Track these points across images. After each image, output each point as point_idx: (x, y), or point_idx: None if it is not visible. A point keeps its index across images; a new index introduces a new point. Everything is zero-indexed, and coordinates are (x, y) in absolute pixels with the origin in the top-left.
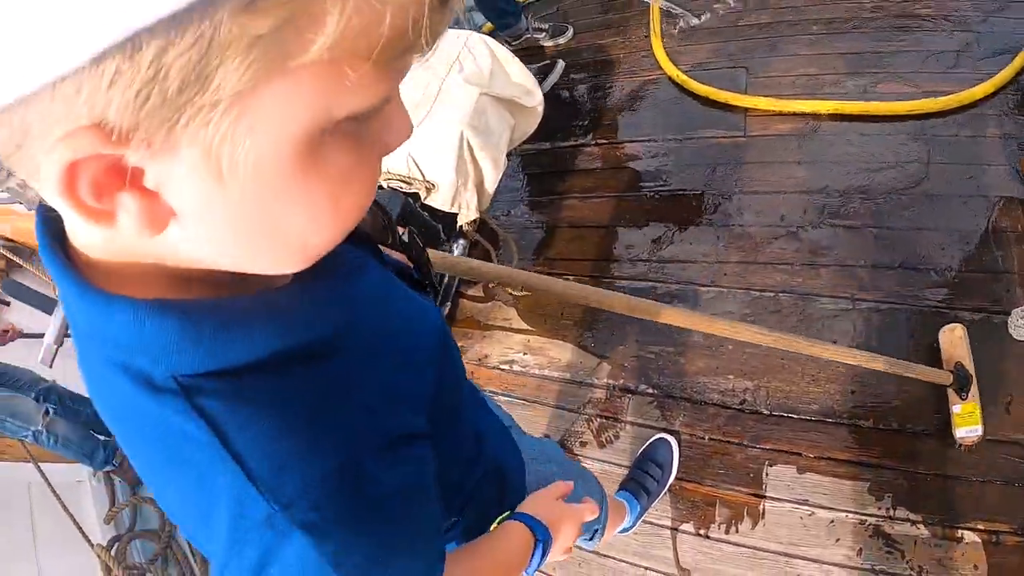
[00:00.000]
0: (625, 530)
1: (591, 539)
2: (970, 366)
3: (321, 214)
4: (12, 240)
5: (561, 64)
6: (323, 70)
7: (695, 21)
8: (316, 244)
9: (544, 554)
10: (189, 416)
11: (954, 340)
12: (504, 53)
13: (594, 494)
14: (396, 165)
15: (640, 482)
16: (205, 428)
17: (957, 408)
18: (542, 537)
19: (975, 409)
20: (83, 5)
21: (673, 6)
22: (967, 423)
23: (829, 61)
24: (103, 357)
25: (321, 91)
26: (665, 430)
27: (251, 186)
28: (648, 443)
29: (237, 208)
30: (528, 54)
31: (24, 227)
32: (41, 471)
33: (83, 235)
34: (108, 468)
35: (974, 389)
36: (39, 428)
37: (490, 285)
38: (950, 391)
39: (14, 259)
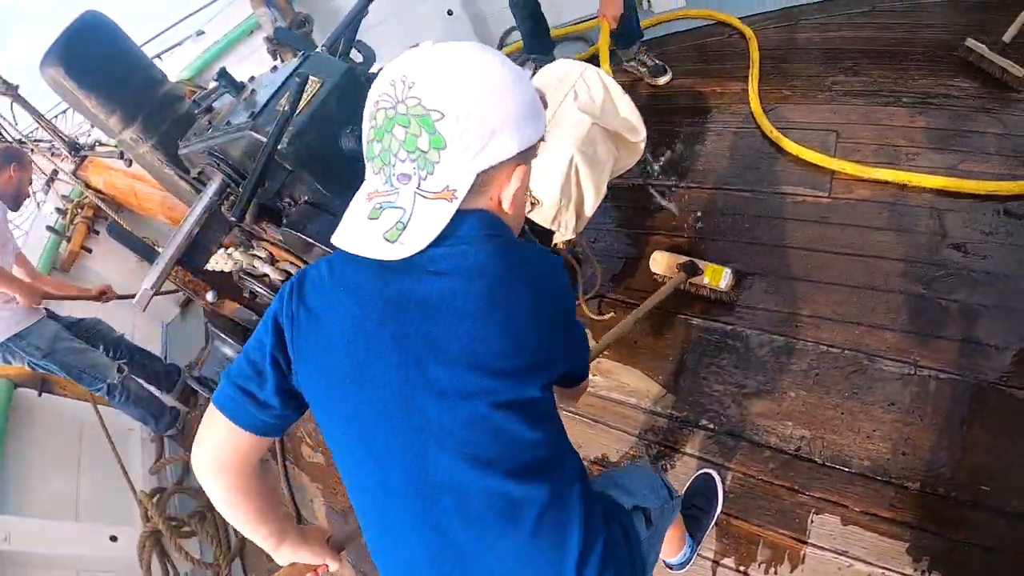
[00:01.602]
0: (681, 565)
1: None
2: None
3: (524, 211)
4: (103, 193)
5: None
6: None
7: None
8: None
9: None
10: None
11: (659, 260)
12: (616, 88)
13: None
14: None
15: (691, 516)
16: None
17: (705, 280)
18: None
19: (712, 268)
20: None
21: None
22: (717, 278)
23: (917, 134)
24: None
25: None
26: (720, 466)
27: (524, 197)
28: (693, 477)
29: (522, 206)
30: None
31: (115, 182)
32: (98, 412)
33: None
34: (170, 432)
35: (699, 262)
36: (114, 382)
37: None
38: (692, 280)
39: (105, 209)
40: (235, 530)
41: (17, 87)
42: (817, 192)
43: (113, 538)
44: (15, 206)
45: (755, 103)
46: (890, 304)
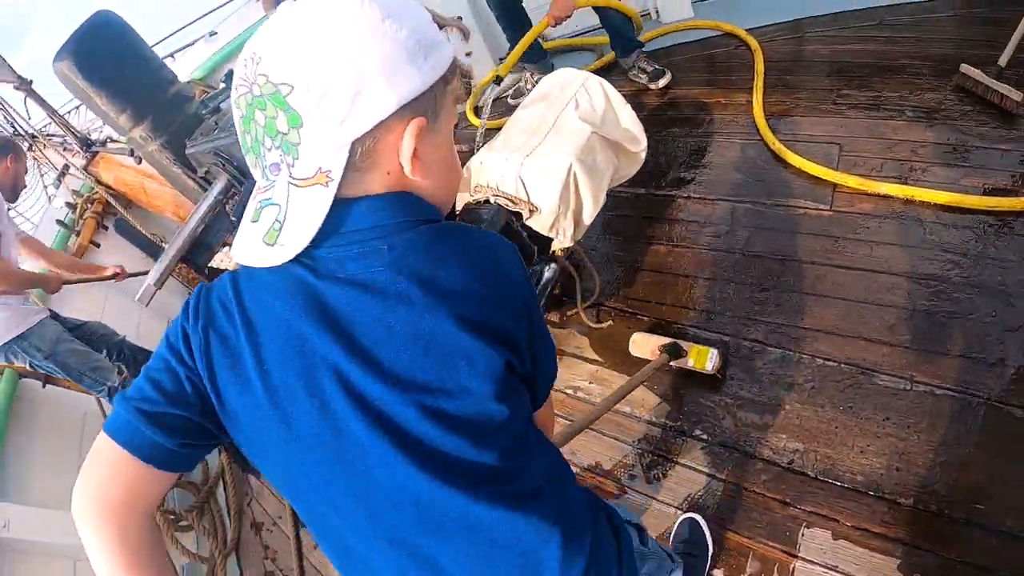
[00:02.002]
0: None
1: None
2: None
3: (455, 174)
4: (113, 188)
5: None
6: (453, 103)
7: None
8: (453, 195)
9: None
10: None
11: (639, 343)
12: (618, 98)
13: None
14: (506, 185)
15: (686, 564)
16: None
17: (690, 363)
18: None
19: (697, 349)
20: (413, 84)
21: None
22: (702, 360)
23: (921, 148)
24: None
25: (455, 112)
26: (712, 477)
27: (444, 154)
28: (677, 524)
29: (449, 167)
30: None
31: (125, 179)
32: (100, 405)
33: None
34: None
35: (683, 344)
36: (115, 384)
37: (567, 314)
38: (675, 363)
39: (114, 205)
40: (232, 525)
41: (31, 82)
42: (819, 205)
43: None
44: (12, 197)
45: (759, 115)
46: (889, 318)
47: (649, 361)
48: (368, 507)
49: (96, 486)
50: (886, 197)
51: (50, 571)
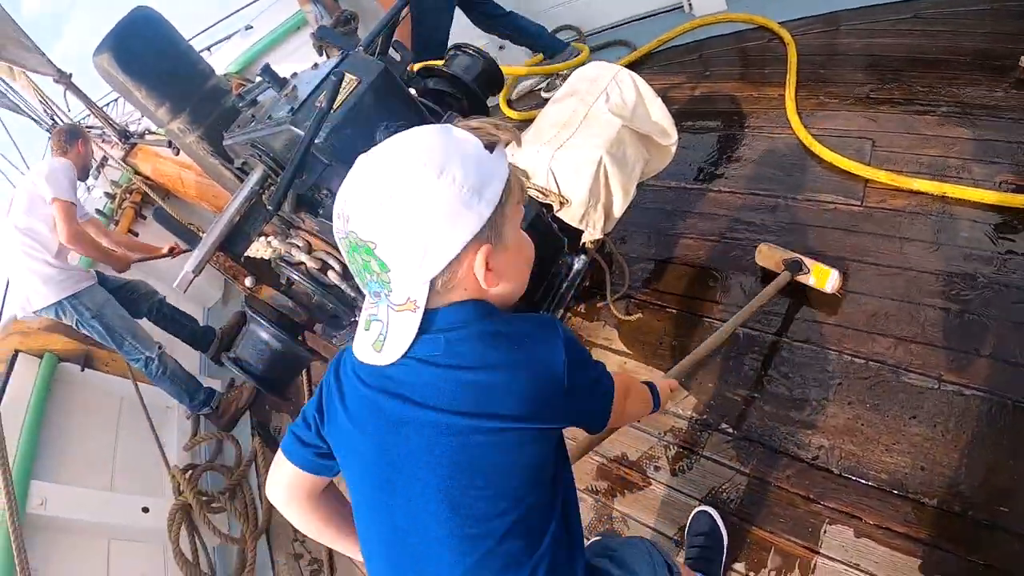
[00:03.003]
0: None
1: None
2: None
3: (526, 265)
4: (151, 179)
5: None
6: (516, 207)
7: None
8: (526, 280)
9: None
10: None
11: (766, 254)
12: (648, 92)
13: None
14: (537, 177)
15: (701, 557)
16: None
17: (811, 280)
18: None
19: (819, 267)
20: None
21: None
22: (823, 279)
23: (955, 144)
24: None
25: (520, 210)
26: (736, 471)
27: (512, 256)
28: (691, 517)
29: (520, 265)
30: None
31: (163, 169)
32: (138, 388)
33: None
34: (204, 411)
35: (807, 260)
36: (152, 355)
37: (597, 306)
38: (797, 278)
39: (152, 195)
40: (264, 508)
41: (71, 75)
42: (850, 200)
43: (145, 509)
44: (84, 176)
45: (791, 109)
46: (918, 317)
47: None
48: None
49: (279, 486)
50: (918, 193)
51: (86, 548)
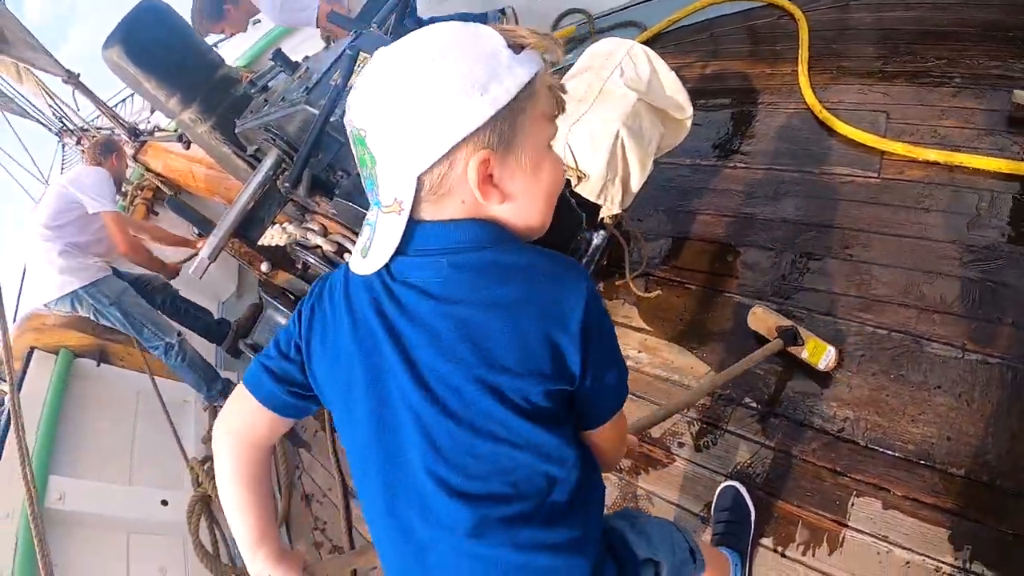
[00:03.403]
0: None
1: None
2: (783, 322)
3: (545, 196)
4: (162, 175)
5: None
6: (539, 123)
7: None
8: (551, 211)
9: None
10: None
11: (759, 317)
12: (663, 66)
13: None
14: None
15: (728, 532)
16: None
17: (804, 354)
18: None
19: (815, 342)
20: (478, 112)
21: None
22: (817, 355)
23: (970, 115)
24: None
25: (548, 127)
26: (761, 445)
27: (527, 178)
28: (717, 493)
29: (535, 188)
30: None
31: (173, 165)
32: (154, 382)
33: (472, 208)
34: (221, 401)
35: (803, 331)
36: (171, 341)
37: (616, 284)
38: (789, 349)
39: (164, 191)
40: (283, 497)
41: (78, 75)
42: (867, 172)
43: (164, 502)
44: (117, 188)
45: (804, 84)
46: (939, 286)
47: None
48: (390, 487)
49: (230, 420)
50: (935, 164)
51: (105, 541)
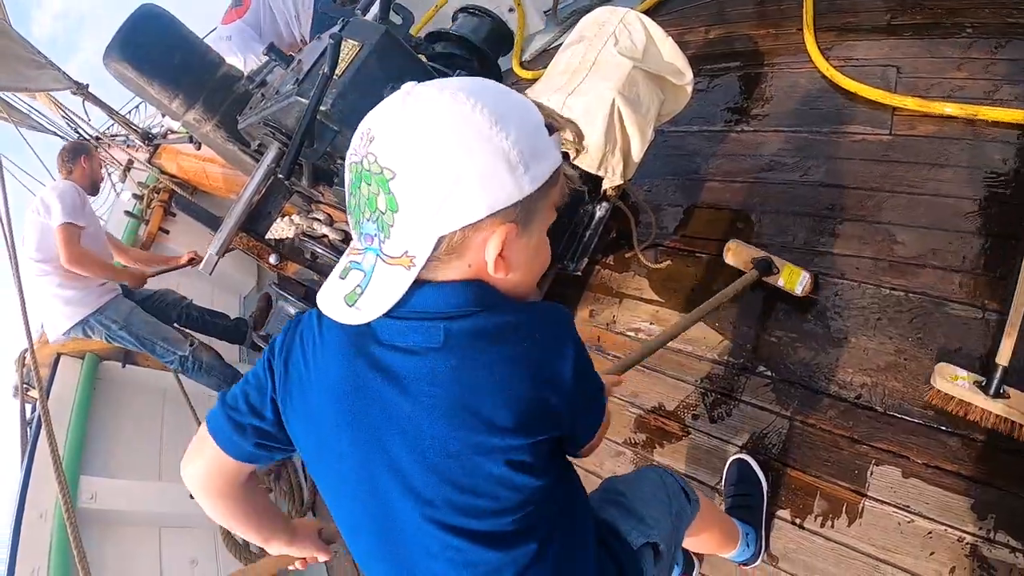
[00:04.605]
0: (750, 558)
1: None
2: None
3: (540, 266)
4: (177, 176)
5: None
6: (551, 208)
7: None
8: (536, 280)
9: None
10: None
11: (735, 251)
12: (658, 32)
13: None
14: None
15: (740, 505)
16: None
17: (780, 282)
18: None
19: (790, 268)
20: (507, 192)
21: None
22: (793, 281)
23: (984, 66)
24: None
25: (552, 214)
26: (778, 415)
27: (530, 254)
28: (726, 468)
29: (533, 267)
30: None
31: (187, 166)
32: (179, 380)
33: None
34: None
35: (777, 260)
36: (185, 354)
37: (625, 256)
38: (766, 279)
39: (179, 192)
40: (308, 487)
41: (87, 86)
42: (878, 130)
43: (192, 496)
44: (94, 191)
45: (810, 41)
46: (957, 245)
47: (741, 272)
48: (392, 551)
49: (198, 470)
50: (950, 118)
51: (137, 537)
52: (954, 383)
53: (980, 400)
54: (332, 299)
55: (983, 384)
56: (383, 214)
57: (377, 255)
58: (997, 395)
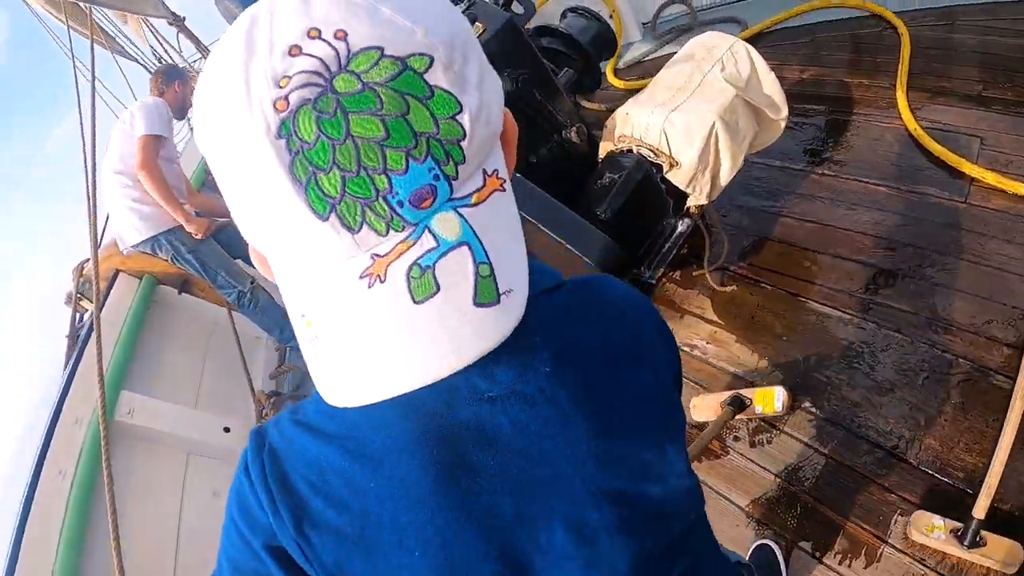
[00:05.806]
0: None
1: None
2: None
3: None
4: None
5: None
6: None
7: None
8: None
9: None
10: None
11: (700, 407)
12: (762, 65)
13: None
14: (650, 136)
15: None
16: None
17: (758, 410)
18: None
19: (762, 392)
20: None
21: None
22: (769, 404)
23: None
24: None
25: None
26: (815, 451)
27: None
28: (752, 548)
29: None
30: None
31: None
32: (231, 315)
33: None
34: (292, 343)
35: (744, 392)
36: (244, 289)
37: (693, 274)
38: (742, 415)
39: None
40: None
41: (184, 18)
42: (954, 196)
43: (226, 429)
44: (181, 116)
45: (901, 99)
46: (1010, 319)
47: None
48: None
49: None
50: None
51: (165, 459)
52: (929, 535)
53: (956, 551)
54: (436, 331)
55: (959, 533)
56: (433, 135)
57: (455, 207)
58: (974, 545)
